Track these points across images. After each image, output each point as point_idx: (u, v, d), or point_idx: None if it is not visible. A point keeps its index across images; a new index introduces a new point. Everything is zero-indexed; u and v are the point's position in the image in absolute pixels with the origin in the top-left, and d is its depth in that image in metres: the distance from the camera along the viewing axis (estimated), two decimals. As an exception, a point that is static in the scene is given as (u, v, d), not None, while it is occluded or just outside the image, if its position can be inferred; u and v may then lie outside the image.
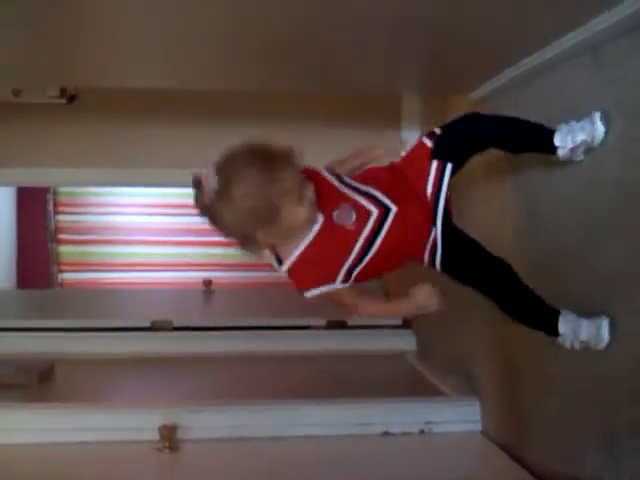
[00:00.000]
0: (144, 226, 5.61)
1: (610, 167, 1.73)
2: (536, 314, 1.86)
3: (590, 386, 1.86)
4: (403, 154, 1.86)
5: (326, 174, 1.74)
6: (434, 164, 1.79)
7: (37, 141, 3.43)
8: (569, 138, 1.77)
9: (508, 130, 1.87)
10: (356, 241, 1.68)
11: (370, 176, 1.80)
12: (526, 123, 1.88)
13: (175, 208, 5.51)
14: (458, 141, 1.84)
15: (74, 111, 3.45)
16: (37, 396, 2.83)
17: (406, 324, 3.79)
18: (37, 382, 2.97)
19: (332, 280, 1.67)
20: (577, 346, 1.78)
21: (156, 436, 2.31)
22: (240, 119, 3.40)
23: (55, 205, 5.73)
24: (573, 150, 1.78)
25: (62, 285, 5.79)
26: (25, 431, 2.39)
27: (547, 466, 2.10)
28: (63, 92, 3.41)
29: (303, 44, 2.01)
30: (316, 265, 1.67)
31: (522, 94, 2.23)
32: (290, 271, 1.67)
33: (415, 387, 3.06)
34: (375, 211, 1.70)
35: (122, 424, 2.42)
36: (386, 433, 2.51)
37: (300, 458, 2.31)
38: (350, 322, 3.79)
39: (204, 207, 1.55)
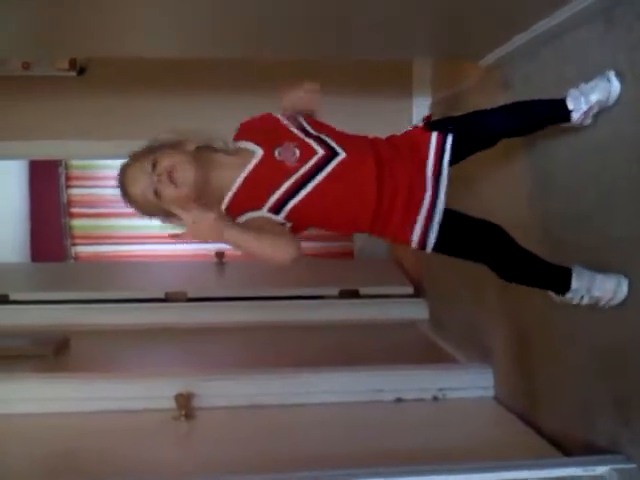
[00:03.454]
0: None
1: (624, 129, 1.72)
2: (540, 273, 1.83)
3: (602, 351, 1.86)
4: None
5: (282, 118, 1.75)
6: (434, 136, 1.76)
7: (48, 114, 3.44)
8: (582, 99, 1.77)
9: (516, 115, 1.87)
10: (291, 176, 1.66)
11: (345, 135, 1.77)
12: (530, 102, 1.90)
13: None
14: (468, 134, 1.81)
15: (84, 83, 3.45)
16: (53, 367, 2.86)
17: (418, 294, 3.80)
18: (53, 353, 3.01)
19: (259, 207, 1.67)
20: (586, 301, 1.76)
21: (172, 404, 2.34)
22: (248, 89, 3.37)
23: (67, 179, 5.74)
24: (587, 112, 1.78)
25: (76, 258, 5.82)
26: (42, 401, 2.42)
27: (560, 431, 2.11)
28: (72, 64, 3.40)
29: (317, 11, 1.99)
30: (248, 194, 1.68)
31: (533, 60, 2.21)
32: (227, 209, 1.70)
33: (428, 355, 3.08)
34: (320, 152, 1.68)
35: (139, 393, 2.45)
36: (399, 400, 2.53)
37: (314, 425, 2.33)
38: (362, 292, 3.81)
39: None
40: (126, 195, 1.71)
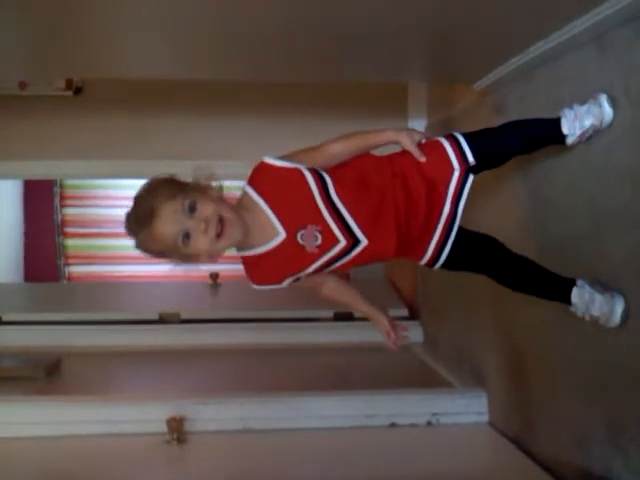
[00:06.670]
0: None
1: (618, 155, 1.72)
2: (543, 283, 1.83)
3: (596, 376, 1.85)
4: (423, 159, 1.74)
5: (310, 180, 1.65)
6: (455, 177, 1.75)
7: (44, 134, 3.44)
8: (576, 124, 1.77)
9: (519, 138, 1.85)
10: (313, 262, 1.68)
11: (363, 182, 1.71)
12: (529, 122, 1.88)
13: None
14: (484, 163, 1.81)
15: (80, 103, 3.46)
16: (45, 389, 2.84)
17: (413, 316, 3.79)
18: (45, 375, 2.98)
19: (279, 283, 1.73)
20: (587, 319, 1.75)
21: (164, 428, 2.32)
22: (242, 110, 3.40)
23: (61, 198, 5.75)
24: (581, 135, 1.78)
25: (69, 278, 5.81)
26: (33, 424, 2.40)
27: (554, 457, 2.09)
28: (69, 84, 3.41)
29: (310, 32, 2.00)
30: (267, 270, 1.71)
31: (527, 83, 2.22)
32: (244, 261, 1.72)
33: (422, 379, 3.05)
34: (343, 242, 1.66)
35: (130, 416, 2.43)
36: (393, 425, 2.51)
37: (307, 450, 2.31)
38: (357, 314, 3.79)
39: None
40: (149, 229, 1.55)
